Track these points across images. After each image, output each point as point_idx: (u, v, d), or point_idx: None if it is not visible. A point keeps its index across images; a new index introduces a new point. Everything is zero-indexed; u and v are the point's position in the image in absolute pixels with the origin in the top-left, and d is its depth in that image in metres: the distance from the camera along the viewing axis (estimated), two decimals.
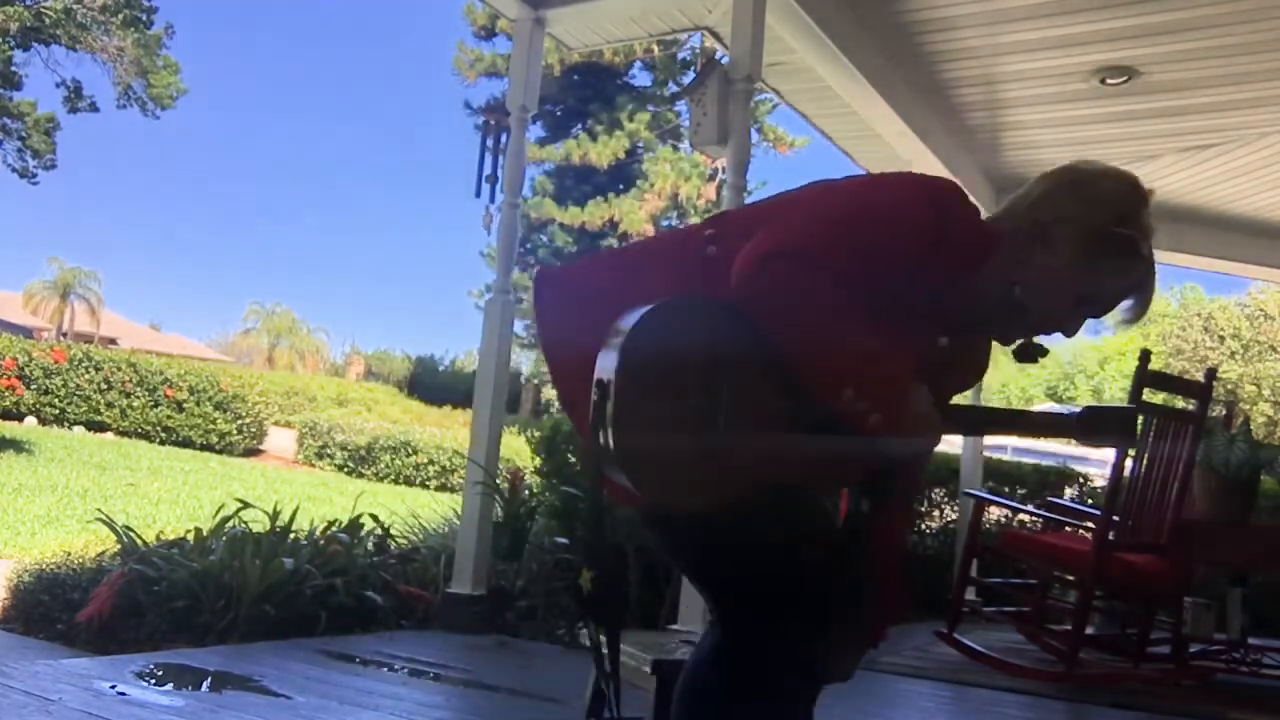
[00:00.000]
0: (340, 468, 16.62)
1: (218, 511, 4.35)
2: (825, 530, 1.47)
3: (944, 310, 1.43)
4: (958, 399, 1.59)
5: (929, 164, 5.44)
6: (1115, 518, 3.65)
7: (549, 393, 34.71)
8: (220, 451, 16.71)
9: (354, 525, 4.51)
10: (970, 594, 4.80)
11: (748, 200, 3.94)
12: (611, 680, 1.44)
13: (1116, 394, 33.45)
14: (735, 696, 1.38)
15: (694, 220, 24.54)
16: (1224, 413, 5.30)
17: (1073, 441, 1.49)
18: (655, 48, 22.45)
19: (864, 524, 1.50)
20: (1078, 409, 1.46)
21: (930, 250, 1.35)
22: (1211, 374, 4.01)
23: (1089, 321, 1.47)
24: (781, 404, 1.34)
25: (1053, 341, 1.53)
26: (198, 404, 16.97)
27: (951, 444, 6.10)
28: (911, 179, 1.43)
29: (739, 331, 1.33)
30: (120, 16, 20.73)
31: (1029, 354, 1.49)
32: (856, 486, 1.50)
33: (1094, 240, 1.40)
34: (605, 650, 1.44)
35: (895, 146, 5.47)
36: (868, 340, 1.31)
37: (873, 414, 1.28)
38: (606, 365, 1.31)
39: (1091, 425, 1.43)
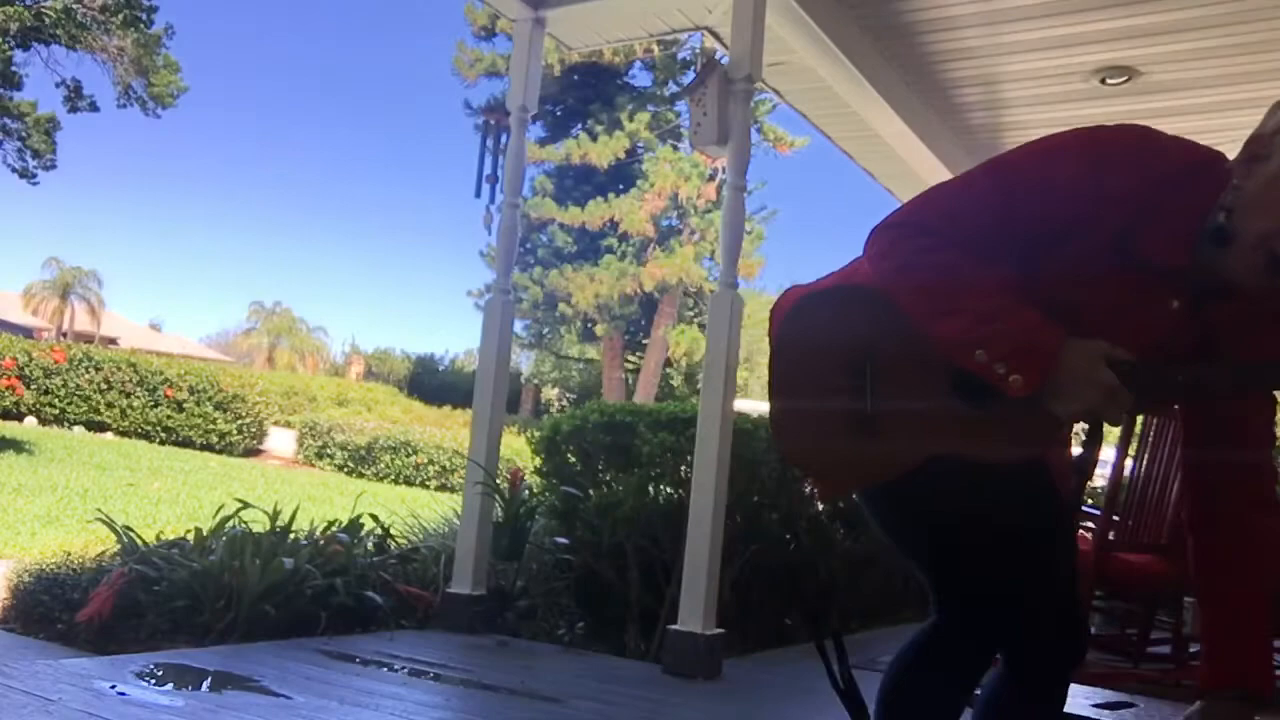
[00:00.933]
0: (340, 468, 16.62)
1: (218, 511, 4.34)
2: (1031, 507, 1.37)
3: (1149, 268, 1.29)
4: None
5: (929, 164, 5.44)
6: (1115, 518, 3.65)
7: (549, 393, 34.72)
8: (220, 451, 16.71)
9: (354, 525, 4.51)
10: None
11: (747, 200, 3.94)
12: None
13: None
14: (923, 667, 1.41)
15: (693, 220, 24.59)
16: None
17: None
18: (655, 48, 22.45)
19: (1076, 498, 1.42)
20: None
21: (1088, 204, 1.26)
22: None
23: None
24: (931, 378, 1.32)
25: None
26: (198, 404, 16.97)
27: None
28: (1073, 134, 1.32)
29: (876, 311, 1.34)
30: (120, 16, 20.69)
31: None
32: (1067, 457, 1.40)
33: None
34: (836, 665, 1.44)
35: (895, 146, 5.47)
36: (990, 299, 1.25)
37: (1012, 375, 1.23)
38: None
39: None
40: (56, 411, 16.27)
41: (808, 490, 4.32)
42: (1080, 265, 1.29)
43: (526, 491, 4.24)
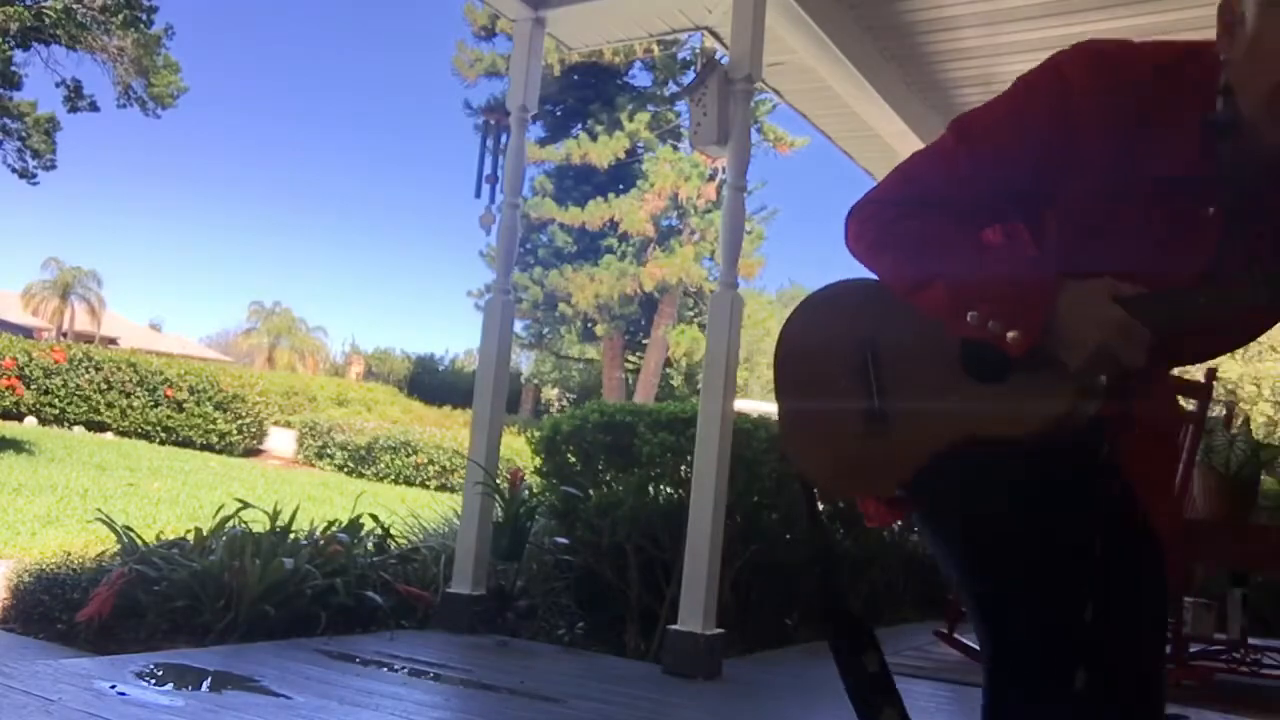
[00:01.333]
0: (340, 468, 16.62)
1: (218, 511, 4.34)
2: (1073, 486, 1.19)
3: (1166, 183, 1.16)
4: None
5: None
6: None
7: (549, 393, 34.72)
8: (220, 451, 16.71)
9: (354, 525, 4.51)
10: None
11: (747, 200, 3.94)
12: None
13: None
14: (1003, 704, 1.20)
15: (693, 220, 24.58)
16: (1224, 413, 5.30)
17: None
18: (655, 48, 22.45)
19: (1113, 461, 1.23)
20: None
21: (1071, 135, 1.17)
22: (1211, 374, 4.01)
23: None
24: (939, 360, 1.23)
25: None
26: (198, 404, 16.98)
27: None
28: (1033, 70, 1.26)
29: (870, 301, 1.29)
30: (120, 16, 20.71)
31: None
32: (1098, 422, 1.21)
33: None
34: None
35: (895, 147, 5.47)
36: (971, 257, 1.18)
37: (1009, 331, 1.13)
38: None
39: None
40: (56, 411, 16.27)
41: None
42: (1090, 201, 1.18)
43: (526, 491, 4.24)
